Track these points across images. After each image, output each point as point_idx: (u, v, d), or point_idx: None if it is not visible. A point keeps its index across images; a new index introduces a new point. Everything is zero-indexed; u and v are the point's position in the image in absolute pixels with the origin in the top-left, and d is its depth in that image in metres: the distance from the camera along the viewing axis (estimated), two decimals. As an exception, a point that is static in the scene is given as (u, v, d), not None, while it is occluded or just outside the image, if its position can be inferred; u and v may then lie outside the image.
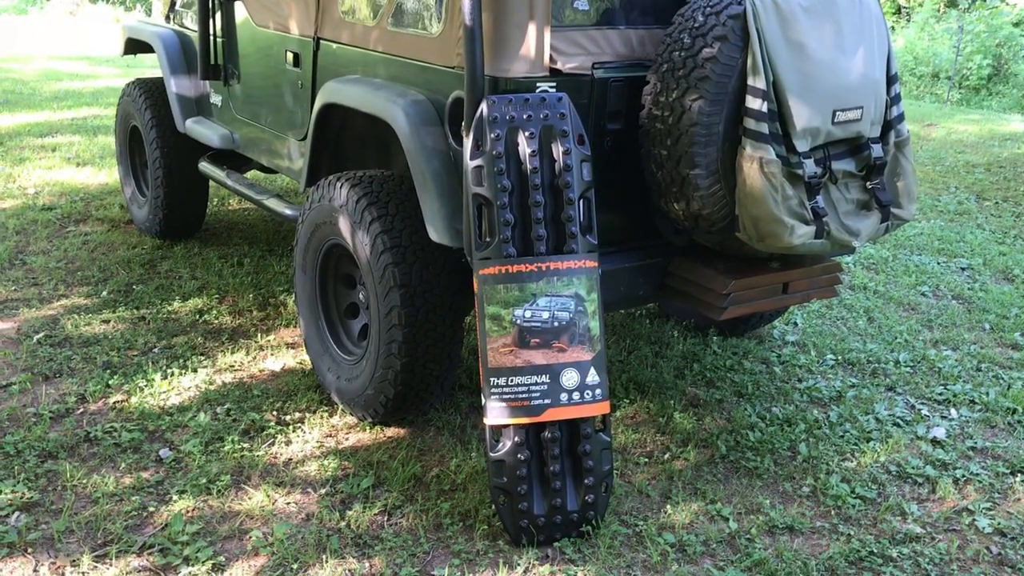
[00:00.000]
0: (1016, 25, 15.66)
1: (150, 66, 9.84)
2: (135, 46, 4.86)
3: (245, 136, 4.07)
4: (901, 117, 2.82)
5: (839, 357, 3.76)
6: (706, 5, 2.57)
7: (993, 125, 9.82)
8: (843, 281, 4.55)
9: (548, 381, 2.49)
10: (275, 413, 3.15)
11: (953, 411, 3.36)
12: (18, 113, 7.95)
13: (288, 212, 3.62)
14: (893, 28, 17.81)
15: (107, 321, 3.83)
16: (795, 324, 4.08)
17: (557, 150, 2.51)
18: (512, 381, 2.48)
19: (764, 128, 2.51)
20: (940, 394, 3.48)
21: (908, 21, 18.50)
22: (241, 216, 5.32)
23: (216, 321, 3.89)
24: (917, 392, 3.50)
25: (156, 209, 4.64)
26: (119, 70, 10.72)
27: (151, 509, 2.61)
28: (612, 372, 3.51)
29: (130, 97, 4.73)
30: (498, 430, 2.50)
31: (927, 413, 3.34)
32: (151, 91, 4.60)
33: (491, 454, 2.49)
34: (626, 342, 3.82)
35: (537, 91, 2.59)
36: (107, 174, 6.03)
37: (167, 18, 4.83)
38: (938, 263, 4.98)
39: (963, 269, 4.93)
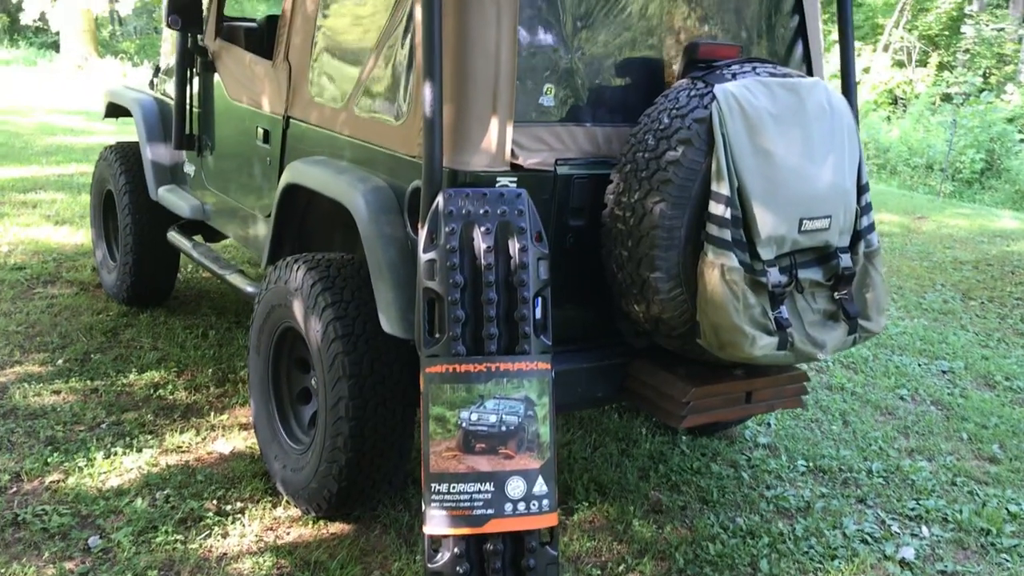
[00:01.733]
0: (1010, 121, 15.85)
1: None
2: (117, 110, 4.84)
3: (215, 207, 4.00)
4: (871, 227, 2.75)
5: (810, 463, 3.64)
6: (672, 107, 2.52)
7: (984, 220, 9.83)
8: (822, 380, 4.45)
9: (492, 490, 2.36)
10: (216, 502, 3.02)
11: (924, 529, 3.23)
12: (6, 167, 7.93)
13: (249, 289, 3.53)
14: (889, 118, 18.04)
15: (58, 392, 3.71)
16: (768, 424, 3.96)
17: (514, 247, 2.43)
18: (454, 488, 2.35)
19: (727, 235, 2.44)
20: (912, 509, 3.35)
21: (904, 111, 18.75)
22: (212, 285, 5.24)
23: (171, 396, 3.77)
24: (888, 506, 3.37)
25: (124, 275, 4.55)
26: (115, 127, 10.72)
27: (69, 605, 2.46)
28: (574, 470, 3.39)
29: (106, 161, 4.68)
30: (438, 540, 2.37)
31: (897, 530, 3.20)
32: (127, 156, 4.56)
33: (429, 565, 2.35)
34: (592, 437, 3.70)
35: (497, 186, 2.53)
36: (84, 234, 5.96)
37: (151, 84, 4.83)
38: (919, 364, 4.88)
39: (944, 372, 4.83)
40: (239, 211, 3.77)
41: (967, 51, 20.68)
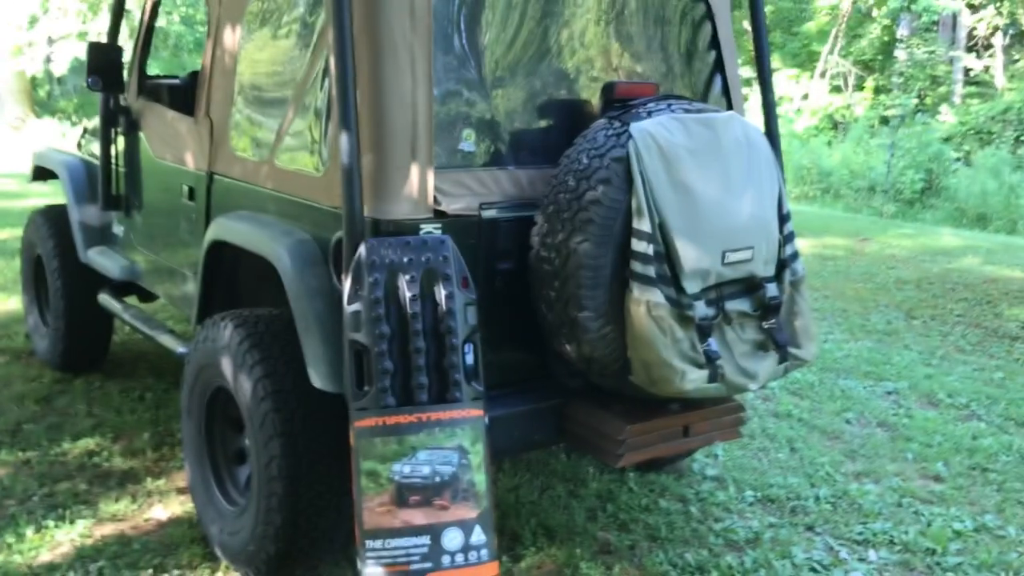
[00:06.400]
0: (946, 140, 16.26)
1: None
2: (44, 172, 4.76)
3: (144, 267, 3.94)
4: (796, 255, 2.77)
5: (759, 493, 3.63)
6: (590, 147, 2.53)
7: (926, 239, 10.01)
8: (768, 408, 4.47)
9: (429, 543, 2.32)
10: (152, 571, 2.92)
11: (872, 552, 3.22)
12: (-61, 235, 7.76)
13: (181, 350, 3.46)
14: (830, 143, 18.39)
15: (-13, 466, 3.60)
16: (716, 456, 3.95)
17: (440, 294, 2.41)
18: (389, 544, 2.30)
19: (651, 271, 2.44)
20: (859, 533, 3.34)
21: (844, 135, 19.13)
22: (150, 346, 5.07)
23: (106, 464, 3.66)
24: (836, 531, 3.37)
25: (57, 340, 4.45)
26: (51, 188, 10.57)
27: None
28: (521, 515, 3.34)
29: (35, 225, 4.59)
30: (374, 597, 2.31)
31: (845, 556, 3.20)
32: (56, 220, 4.48)
33: (366, 624, 2.30)
34: (539, 480, 3.66)
35: (421, 233, 2.51)
36: (17, 301, 5.80)
37: (78, 145, 4.76)
38: (864, 387, 4.92)
39: (889, 393, 4.87)
40: (168, 270, 3.71)
41: (901, 74, 21.21)
